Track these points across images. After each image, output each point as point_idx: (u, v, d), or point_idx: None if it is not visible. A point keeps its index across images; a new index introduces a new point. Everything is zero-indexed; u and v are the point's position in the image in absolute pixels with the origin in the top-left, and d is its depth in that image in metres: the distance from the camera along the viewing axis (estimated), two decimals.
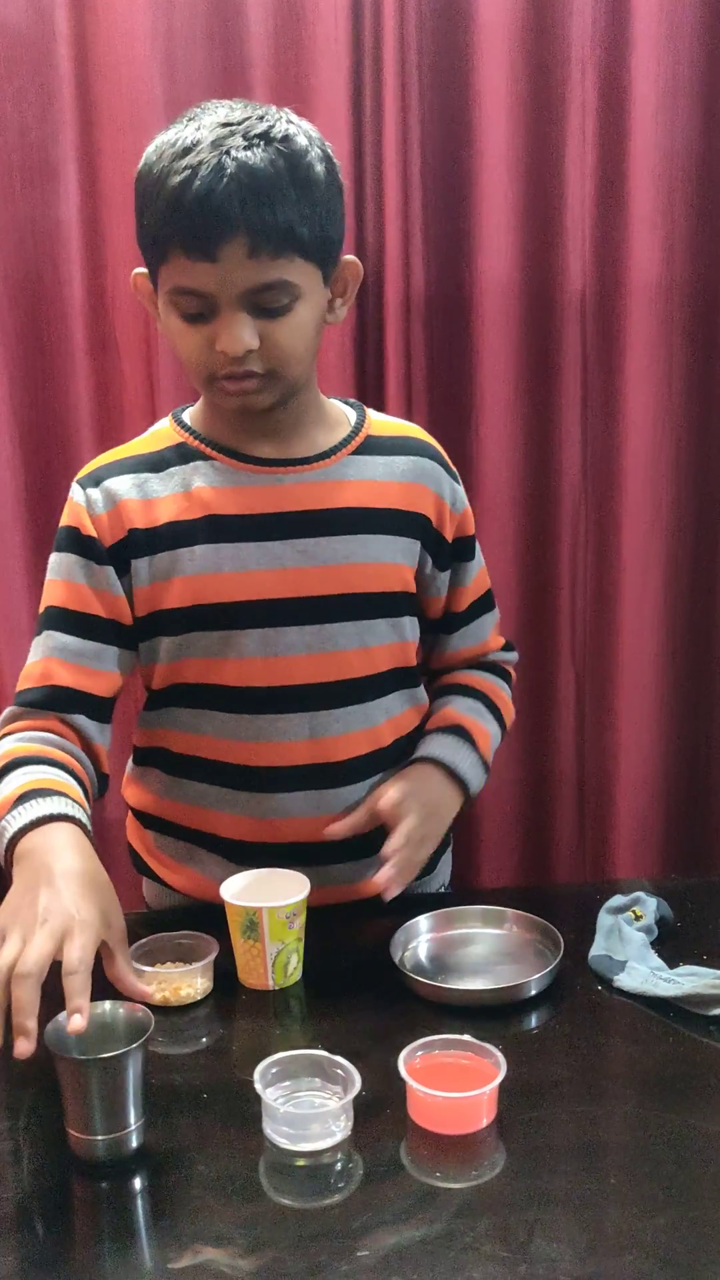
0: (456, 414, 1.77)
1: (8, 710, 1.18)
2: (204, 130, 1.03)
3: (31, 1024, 0.83)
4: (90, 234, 1.69)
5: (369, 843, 1.22)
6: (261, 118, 1.05)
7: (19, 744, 1.13)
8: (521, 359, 1.77)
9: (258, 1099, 0.89)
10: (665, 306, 1.75)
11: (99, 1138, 0.87)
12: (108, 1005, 0.91)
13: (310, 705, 1.19)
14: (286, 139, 1.04)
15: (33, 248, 1.69)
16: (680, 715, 1.91)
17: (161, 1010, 1.06)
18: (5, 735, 1.16)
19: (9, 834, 1.00)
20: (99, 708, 1.17)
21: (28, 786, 1.05)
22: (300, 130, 1.06)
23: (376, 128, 1.68)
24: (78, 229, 1.68)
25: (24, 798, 1.03)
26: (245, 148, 1.01)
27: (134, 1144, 0.88)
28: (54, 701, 1.16)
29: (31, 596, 1.76)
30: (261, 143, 1.02)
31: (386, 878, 1.15)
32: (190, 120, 1.05)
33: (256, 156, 1.02)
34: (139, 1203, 0.85)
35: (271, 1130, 0.88)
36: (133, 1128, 0.88)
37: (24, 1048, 0.83)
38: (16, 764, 1.09)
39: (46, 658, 1.17)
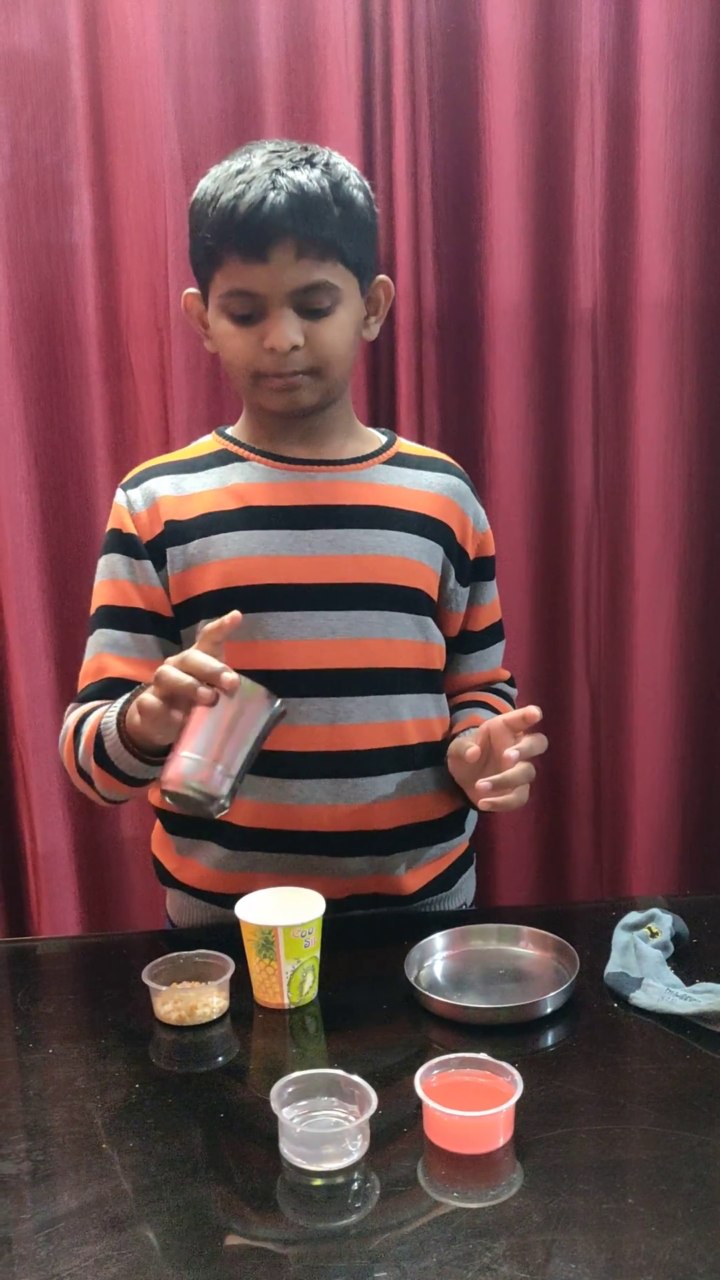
0: (468, 433, 1.78)
1: (70, 707, 1.26)
2: (255, 157, 1.16)
3: (214, 664, 0.99)
4: (104, 258, 1.71)
5: (384, 837, 1.25)
6: (305, 148, 1.18)
7: (86, 707, 1.22)
8: (533, 378, 1.78)
9: (274, 1118, 0.89)
10: (676, 324, 1.76)
11: (218, 768, 0.99)
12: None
13: (334, 690, 1.22)
14: (329, 165, 1.17)
15: (47, 271, 1.71)
16: (696, 731, 1.90)
17: (177, 1029, 1.07)
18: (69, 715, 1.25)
19: (116, 711, 1.12)
20: None
21: (107, 707, 1.17)
22: (341, 162, 1.19)
23: (387, 149, 1.69)
24: (91, 253, 1.70)
25: (110, 708, 1.16)
26: (293, 168, 1.14)
27: (227, 789, 1.00)
28: (110, 691, 1.22)
29: (47, 617, 1.78)
30: (307, 165, 1.15)
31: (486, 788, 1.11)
32: (243, 154, 1.18)
33: (303, 175, 1.14)
34: (155, 1224, 0.84)
35: (288, 1150, 0.88)
36: (237, 774, 1.00)
37: (228, 680, 0.98)
38: (90, 712, 1.20)
39: (99, 654, 1.25)
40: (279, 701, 1.02)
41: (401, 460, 1.31)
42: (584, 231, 1.73)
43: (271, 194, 1.11)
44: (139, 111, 1.66)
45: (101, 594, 1.26)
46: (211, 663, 1.00)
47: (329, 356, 1.18)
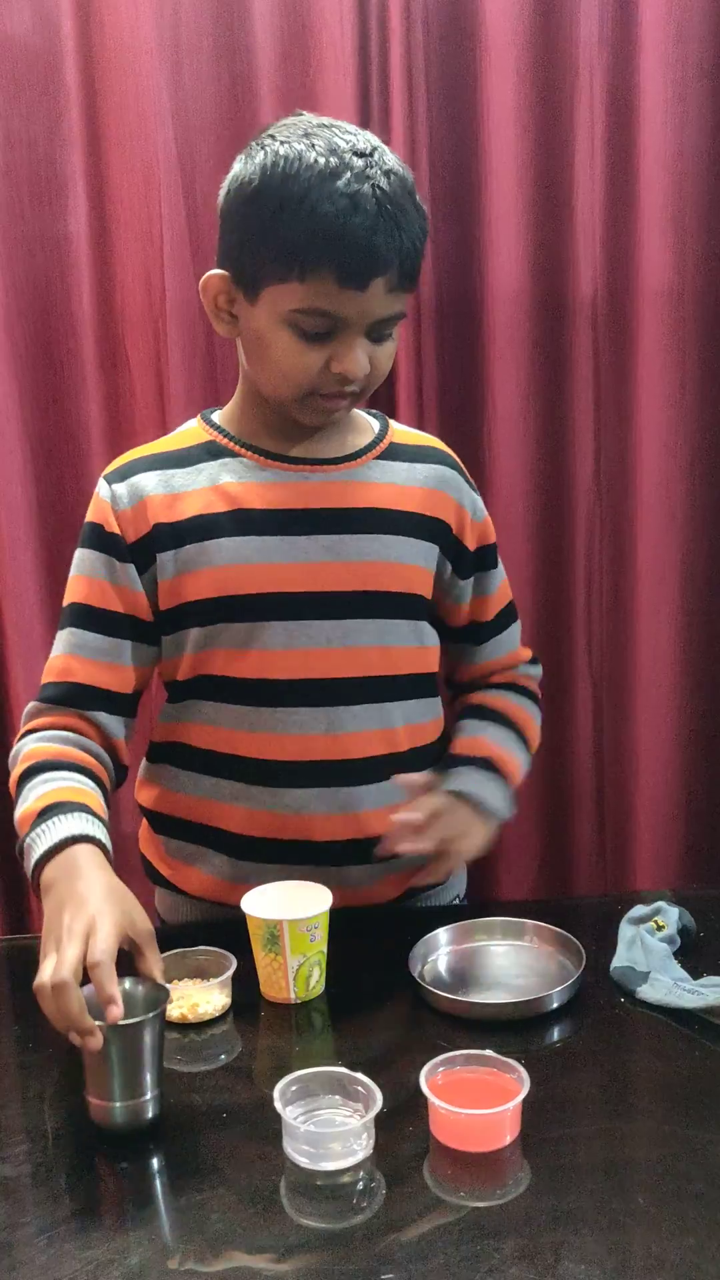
0: (468, 421, 1.77)
1: (31, 705, 1.21)
2: (345, 157, 1.06)
3: (87, 1022, 0.88)
4: (99, 248, 1.69)
5: (377, 844, 1.21)
6: (383, 154, 1.09)
7: (40, 744, 1.16)
8: (533, 365, 1.76)
9: (278, 1118, 0.88)
10: (677, 311, 1.74)
11: (116, 1104, 0.90)
12: (127, 981, 0.94)
13: (329, 700, 1.20)
14: (403, 175, 1.10)
15: (42, 262, 1.69)
16: (699, 722, 1.89)
17: (179, 1027, 1.06)
18: (28, 733, 1.19)
19: (34, 858, 1.04)
20: (118, 703, 1.21)
21: (50, 800, 1.08)
22: (407, 170, 1.12)
23: (385, 137, 1.65)
24: (86, 243, 1.68)
25: (46, 813, 1.06)
26: (385, 180, 1.07)
27: (150, 1113, 0.91)
28: (73, 698, 1.19)
29: (44, 611, 1.76)
30: (394, 178, 1.08)
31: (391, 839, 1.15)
32: (308, 137, 1.08)
33: (396, 193, 1.07)
34: (158, 1226, 0.83)
35: (292, 1149, 0.87)
36: (149, 1096, 0.91)
37: (92, 1043, 0.88)
38: (38, 769, 1.13)
39: (66, 654, 1.20)
40: (161, 1007, 0.92)
41: (394, 453, 1.26)
42: (584, 217, 1.72)
43: (383, 222, 1.05)
44: (133, 100, 1.64)
45: (76, 590, 1.21)
46: (85, 1020, 0.88)
47: (379, 380, 1.16)
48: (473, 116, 1.67)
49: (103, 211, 1.68)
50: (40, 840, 1.04)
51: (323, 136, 1.08)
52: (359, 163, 1.06)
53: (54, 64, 1.63)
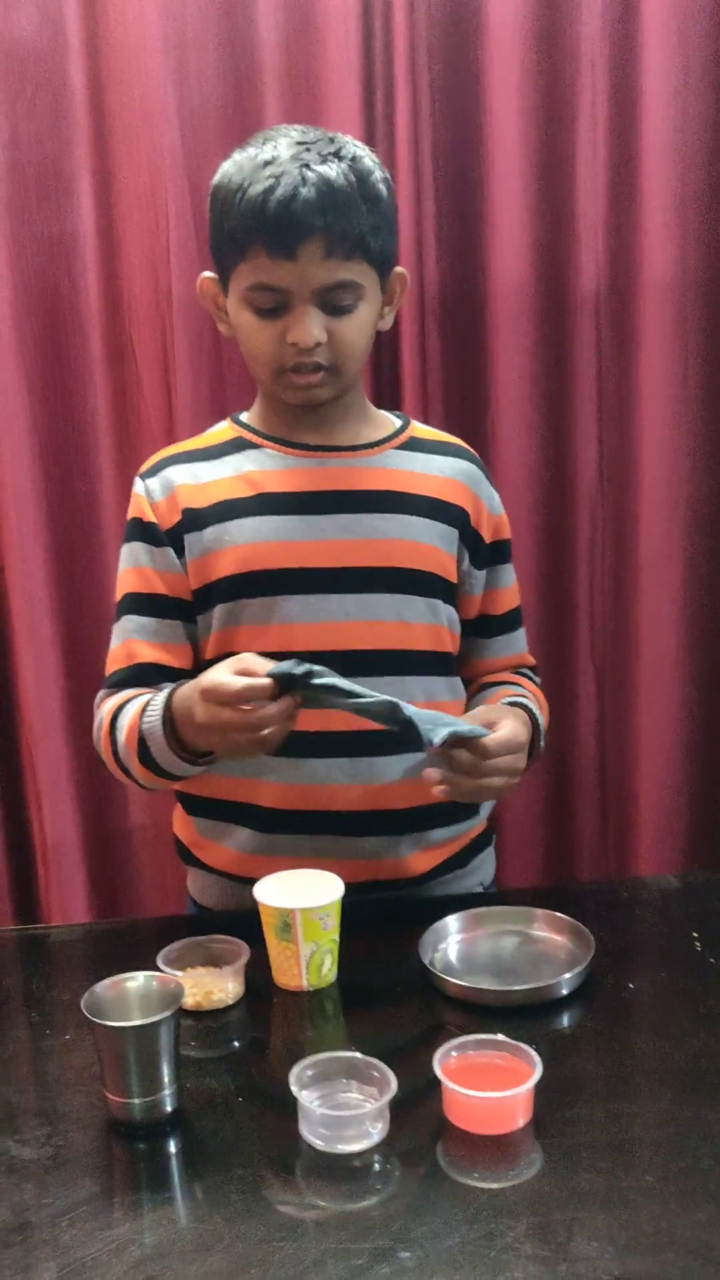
0: (471, 414, 1.77)
1: (100, 694, 1.29)
2: (281, 148, 1.16)
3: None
4: (105, 244, 1.70)
5: (404, 818, 1.26)
6: (332, 139, 1.18)
7: (118, 698, 1.25)
8: (536, 359, 1.77)
9: (293, 1102, 0.89)
10: (680, 304, 1.75)
11: (135, 1100, 0.92)
12: (141, 976, 0.97)
13: (349, 671, 1.21)
14: (355, 159, 1.17)
15: (48, 259, 1.70)
16: (700, 711, 1.90)
17: (193, 1014, 1.07)
18: (103, 705, 1.27)
19: (158, 724, 1.16)
20: (183, 680, 1.24)
21: (141, 702, 1.20)
22: (365, 153, 1.20)
23: (388, 131, 1.68)
24: (93, 240, 1.69)
25: (146, 708, 1.19)
26: (321, 162, 1.14)
27: (168, 1107, 0.93)
28: (141, 677, 1.25)
29: (53, 605, 1.78)
30: (335, 159, 1.15)
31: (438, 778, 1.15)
32: (266, 141, 1.18)
33: (332, 170, 1.14)
34: (175, 1208, 0.85)
35: (308, 1133, 0.89)
36: (167, 1091, 0.92)
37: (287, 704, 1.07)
38: (121, 707, 1.23)
39: (127, 640, 1.27)
40: (176, 1004, 0.93)
41: (415, 445, 1.32)
42: (586, 211, 1.72)
43: (302, 190, 1.12)
44: (138, 96, 1.65)
45: (126, 582, 1.28)
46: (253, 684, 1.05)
47: (348, 354, 1.21)
48: (475, 110, 1.67)
49: (109, 208, 1.69)
50: (153, 710, 1.17)
51: (274, 138, 1.17)
52: (295, 149, 1.15)
53: (59, 62, 1.64)
